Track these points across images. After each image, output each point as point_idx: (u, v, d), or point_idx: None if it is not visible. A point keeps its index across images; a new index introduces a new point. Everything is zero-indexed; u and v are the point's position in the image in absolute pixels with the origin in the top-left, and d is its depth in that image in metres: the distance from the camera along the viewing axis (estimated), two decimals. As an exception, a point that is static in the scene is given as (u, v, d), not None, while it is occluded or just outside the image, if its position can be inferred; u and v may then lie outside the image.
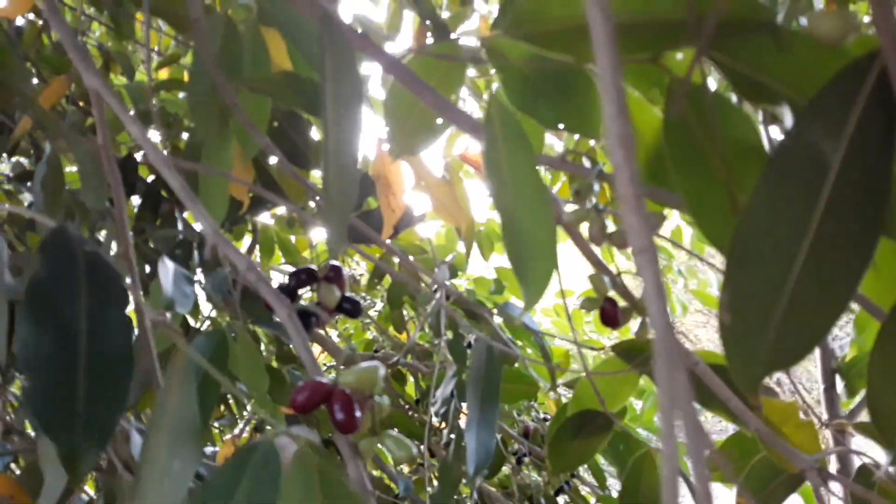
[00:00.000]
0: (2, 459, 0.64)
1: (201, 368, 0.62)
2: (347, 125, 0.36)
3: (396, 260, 1.48)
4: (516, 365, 1.08)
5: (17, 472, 0.73)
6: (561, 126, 0.49)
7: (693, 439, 0.16)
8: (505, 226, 0.34)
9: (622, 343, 0.60)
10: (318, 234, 1.82)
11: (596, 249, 0.50)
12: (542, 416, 1.34)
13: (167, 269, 0.74)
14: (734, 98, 0.50)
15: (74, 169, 1.15)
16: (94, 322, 0.31)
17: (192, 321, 1.29)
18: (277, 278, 1.96)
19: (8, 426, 0.77)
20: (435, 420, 1.08)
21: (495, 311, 0.91)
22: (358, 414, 0.38)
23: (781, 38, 0.29)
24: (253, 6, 0.57)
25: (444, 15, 1.91)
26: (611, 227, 0.51)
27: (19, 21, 1.25)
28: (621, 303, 0.49)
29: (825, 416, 1.00)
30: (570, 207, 0.46)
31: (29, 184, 1.33)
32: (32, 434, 0.75)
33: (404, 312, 1.60)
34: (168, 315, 0.70)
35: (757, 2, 0.29)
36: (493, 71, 0.55)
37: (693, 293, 1.84)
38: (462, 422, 1.23)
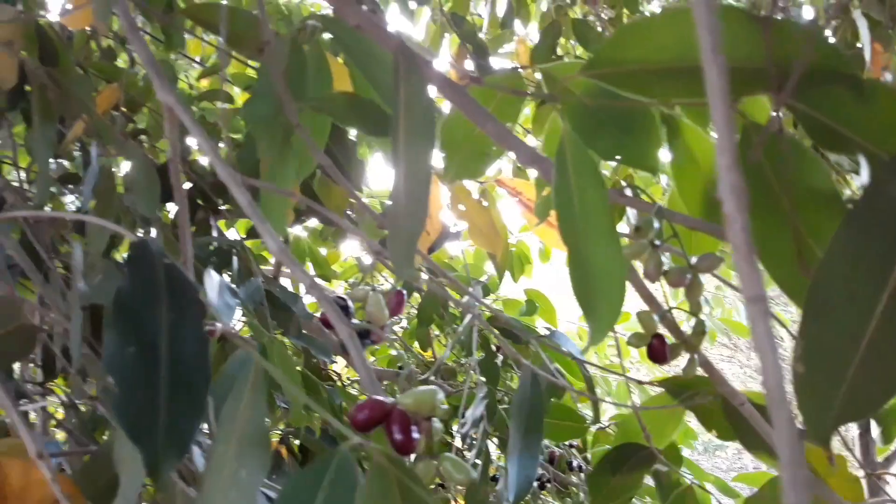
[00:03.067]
0: (55, 459, 0.65)
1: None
2: (419, 156, 0.37)
3: (425, 277, 1.49)
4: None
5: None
6: (618, 158, 0.50)
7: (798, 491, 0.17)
8: (572, 260, 0.35)
9: (670, 379, 0.60)
10: (350, 248, 1.83)
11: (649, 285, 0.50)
12: (567, 442, 1.33)
13: (213, 280, 0.76)
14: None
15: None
16: (174, 333, 0.32)
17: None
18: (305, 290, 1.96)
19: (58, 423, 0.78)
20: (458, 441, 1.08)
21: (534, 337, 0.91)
22: (416, 435, 0.38)
23: (863, 91, 0.29)
24: (312, 28, 0.59)
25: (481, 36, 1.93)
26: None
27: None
28: (670, 339, 0.50)
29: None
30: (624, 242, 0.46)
31: (71, 186, 1.36)
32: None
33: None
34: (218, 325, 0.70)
35: (839, 53, 0.29)
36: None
37: (722, 321, 1.82)
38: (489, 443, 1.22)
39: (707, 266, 0.45)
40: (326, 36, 0.61)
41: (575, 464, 1.28)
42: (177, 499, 0.40)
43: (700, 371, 0.52)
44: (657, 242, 0.45)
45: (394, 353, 1.84)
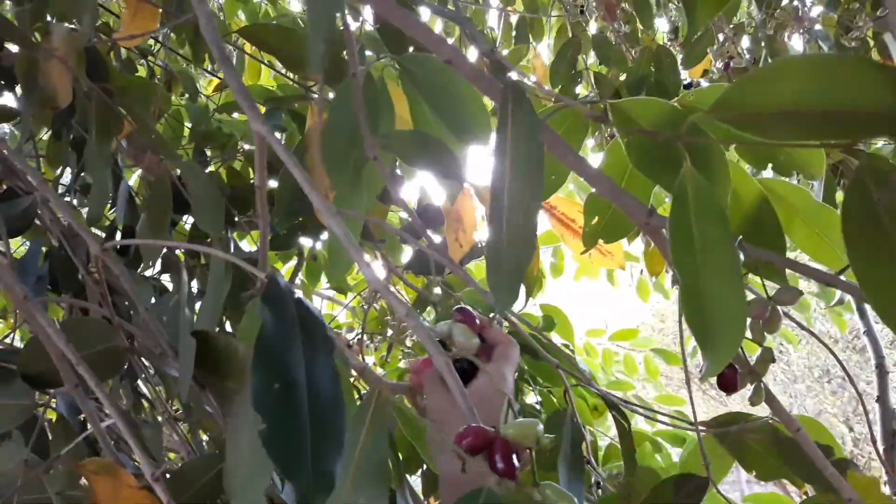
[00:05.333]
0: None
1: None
2: (528, 194, 0.38)
3: (437, 290, 1.49)
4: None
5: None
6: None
7: None
8: (687, 293, 0.36)
9: (724, 416, 0.60)
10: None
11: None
12: (585, 459, 1.34)
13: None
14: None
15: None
16: (311, 370, 0.33)
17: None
18: (318, 303, 1.97)
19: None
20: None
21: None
22: (517, 464, 0.39)
23: None
24: (370, 63, 0.60)
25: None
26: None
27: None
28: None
29: (884, 477, 1.00)
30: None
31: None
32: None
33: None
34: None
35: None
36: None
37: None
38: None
39: (787, 299, 0.46)
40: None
41: (594, 480, 1.29)
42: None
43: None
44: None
45: (403, 365, 1.84)
